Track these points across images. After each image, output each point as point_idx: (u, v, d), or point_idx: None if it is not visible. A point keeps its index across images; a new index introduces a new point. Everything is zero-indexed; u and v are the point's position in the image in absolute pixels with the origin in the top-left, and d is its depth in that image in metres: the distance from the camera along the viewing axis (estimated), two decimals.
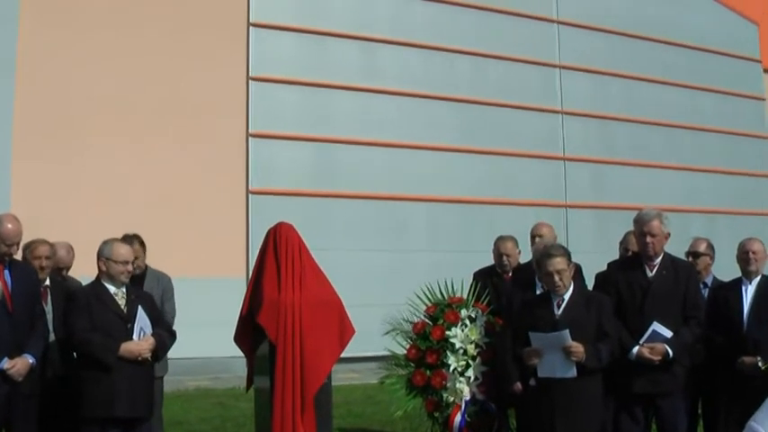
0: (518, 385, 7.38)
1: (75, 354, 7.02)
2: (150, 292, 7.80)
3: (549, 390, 6.66)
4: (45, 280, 7.59)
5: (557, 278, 6.72)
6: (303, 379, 6.53)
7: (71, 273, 8.33)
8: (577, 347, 6.50)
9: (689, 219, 21.50)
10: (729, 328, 7.56)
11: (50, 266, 7.69)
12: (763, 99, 25.89)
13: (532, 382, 6.87)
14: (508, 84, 21.44)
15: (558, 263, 6.73)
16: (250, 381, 7.20)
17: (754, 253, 7.79)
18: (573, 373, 6.55)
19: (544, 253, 6.93)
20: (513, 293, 7.90)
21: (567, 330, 6.51)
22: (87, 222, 14.05)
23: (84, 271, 7.88)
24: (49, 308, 7.39)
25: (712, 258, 8.56)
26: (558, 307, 6.77)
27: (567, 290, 6.81)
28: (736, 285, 7.86)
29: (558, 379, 6.61)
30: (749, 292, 7.71)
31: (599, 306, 6.83)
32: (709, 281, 8.37)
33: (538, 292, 7.61)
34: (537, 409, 6.83)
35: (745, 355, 7.40)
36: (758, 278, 7.79)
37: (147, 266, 8.49)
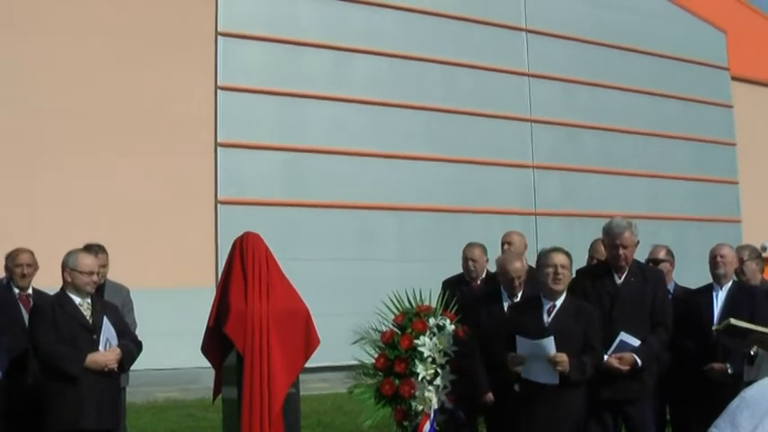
0: (489, 396, 7.37)
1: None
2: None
3: (532, 398, 6.64)
4: (27, 288, 7.76)
5: (560, 270, 6.70)
6: (270, 389, 6.49)
7: (33, 283, 8.26)
8: (562, 357, 6.48)
9: (657, 226, 21.64)
10: (700, 334, 7.58)
11: (32, 274, 7.81)
12: (731, 107, 26.09)
13: (516, 387, 6.84)
14: (477, 92, 21.50)
15: (561, 257, 6.73)
16: (217, 391, 7.15)
17: (722, 257, 7.84)
18: (555, 380, 6.54)
19: (548, 249, 6.91)
20: (480, 304, 7.89)
21: (552, 338, 6.49)
22: (53, 233, 13.93)
23: (47, 282, 7.84)
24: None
25: (672, 264, 8.58)
26: (549, 314, 6.75)
27: (560, 296, 6.79)
28: (707, 291, 7.90)
29: (541, 385, 6.59)
30: (720, 298, 7.75)
31: (588, 318, 6.79)
32: (670, 287, 8.36)
33: (505, 304, 7.62)
34: (518, 416, 6.81)
35: (714, 361, 7.43)
36: (729, 284, 7.82)
37: (105, 279, 8.40)
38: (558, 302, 6.77)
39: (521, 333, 6.65)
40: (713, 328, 7.30)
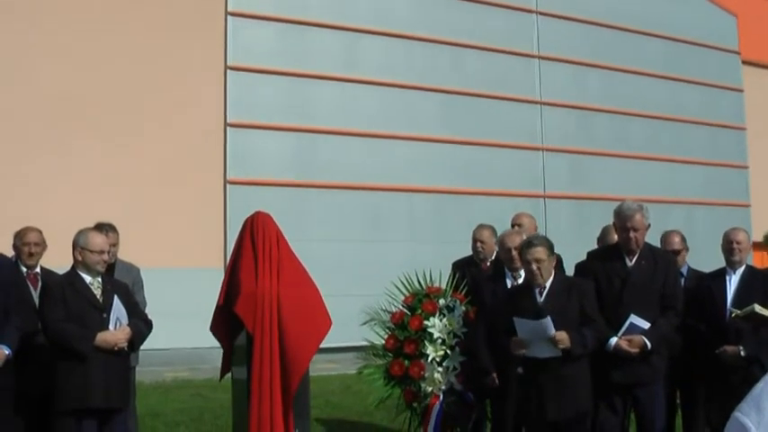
0: (494, 377, 7.38)
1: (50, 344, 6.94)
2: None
3: (536, 375, 6.67)
4: (35, 266, 7.77)
5: (534, 267, 6.69)
6: (283, 369, 6.45)
7: (43, 262, 8.28)
8: (562, 336, 6.49)
9: (668, 210, 21.61)
10: (712, 318, 7.58)
11: (40, 253, 7.82)
12: (742, 91, 25.96)
13: (520, 370, 6.86)
14: (488, 74, 21.43)
15: (537, 252, 6.70)
16: (224, 370, 7.14)
17: (738, 243, 7.81)
18: (558, 352, 6.54)
19: (525, 242, 6.93)
20: (484, 285, 7.90)
21: (549, 318, 6.48)
22: (63, 213, 13.93)
23: (57, 261, 7.84)
24: (38, 294, 7.42)
25: (687, 250, 8.58)
26: (540, 295, 6.75)
27: (548, 279, 6.78)
28: (719, 275, 7.88)
29: (544, 361, 6.59)
30: (733, 282, 7.74)
31: (581, 292, 6.82)
32: (684, 271, 8.36)
33: (508, 283, 7.63)
34: (526, 396, 6.83)
35: (727, 344, 7.42)
36: (742, 268, 7.82)
37: (116, 258, 8.41)
38: (548, 284, 6.79)
39: (518, 316, 6.65)
40: (733, 314, 7.28)
